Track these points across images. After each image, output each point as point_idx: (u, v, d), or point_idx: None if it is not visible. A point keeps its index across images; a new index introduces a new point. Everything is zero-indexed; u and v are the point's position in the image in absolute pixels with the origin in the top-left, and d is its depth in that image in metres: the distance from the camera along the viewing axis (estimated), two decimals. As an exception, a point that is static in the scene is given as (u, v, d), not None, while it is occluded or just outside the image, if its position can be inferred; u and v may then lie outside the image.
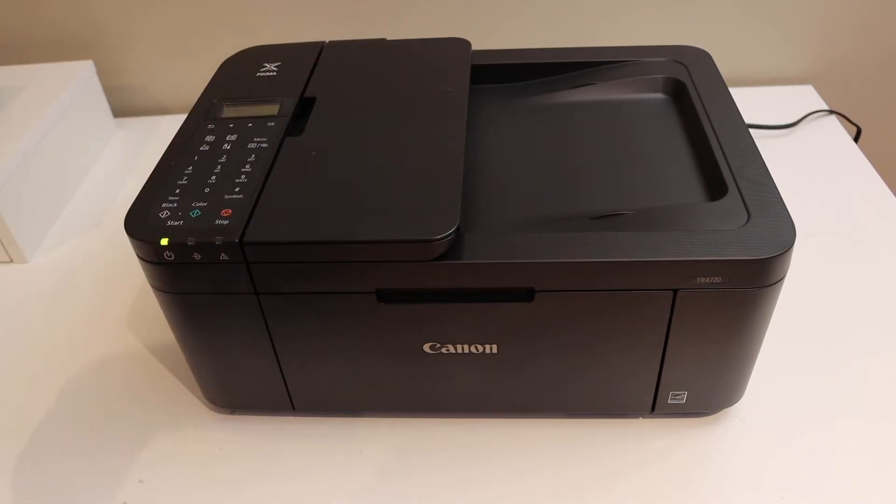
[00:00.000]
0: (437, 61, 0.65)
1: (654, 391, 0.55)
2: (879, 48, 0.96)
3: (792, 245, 0.47)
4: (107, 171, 0.93)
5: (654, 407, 0.57)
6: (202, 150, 0.55)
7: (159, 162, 0.55)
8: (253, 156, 0.54)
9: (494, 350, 0.53)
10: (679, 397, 0.56)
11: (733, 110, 0.60)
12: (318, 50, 0.67)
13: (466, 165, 0.53)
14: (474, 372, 0.55)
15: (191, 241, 0.48)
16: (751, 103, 0.91)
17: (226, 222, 0.48)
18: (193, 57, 0.99)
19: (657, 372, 0.54)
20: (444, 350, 0.53)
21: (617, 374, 0.54)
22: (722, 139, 0.57)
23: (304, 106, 0.60)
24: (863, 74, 0.98)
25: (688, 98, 0.62)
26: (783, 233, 0.48)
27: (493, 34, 0.96)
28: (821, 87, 0.98)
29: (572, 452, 0.57)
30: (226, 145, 0.55)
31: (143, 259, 0.50)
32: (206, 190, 0.51)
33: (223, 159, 0.54)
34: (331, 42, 0.69)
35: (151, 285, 0.52)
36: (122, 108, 1.03)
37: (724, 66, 0.68)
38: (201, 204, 0.50)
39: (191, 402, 0.63)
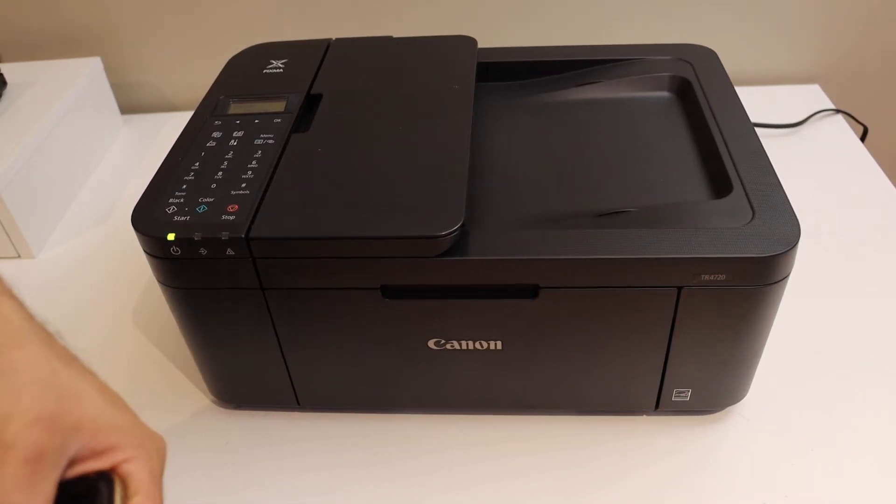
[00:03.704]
0: (443, 59, 0.65)
1: (658, 388, 0.56)
2: (886, 47, 0.95)
3: (796, 243, 0.47)
4: (114, 167, 0.94)
5: (658, 404, 0.57)
6: (209, 147, 0.55)
7: (166, 158, 0.55)
8: (259, 152, 0.54)
9: (499, 347, 0.53)
10: (683, 395, 0.56)
11: (739, 109, 0.60)
12: (325, 47, 0.68)
13: (472, 162, 0.53)
14: (478, 369, 0.55)
15: (197, 237, 0.48)
16: (757, 102, 0.90)
17: (232, 218, 0.49)
18: (200, 54, 1.00)
19: (661, 369, 0.54)
20: (448, 346, 0.53)
21: (621, 371, 0.54)
22: (727, 137, 0.57)
23: (311, 102, 0.60)
24: (869, 74, 0.98)
25: (693, 96, 0.62)
26: (787, 231, 0.48)
27: (499, 32, 0.96)
28: (827, 87, 0.97)
29: (576, 450, 0.57)
30: (232, 141, 0.56)
31: (149, 254, 0.50)
32: (213, 185, 0.51)
33: (230, 155, 0.54)
34: (337, 39, 0.69)
35: (158, 280, 0.52)
36: (130, 104, 1.04)
37: (730, 65, 0.67)
38: (208, 199, 0.50)
39: (196, 398, 0.63)
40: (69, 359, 0.36)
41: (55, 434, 0.32)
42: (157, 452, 0.36)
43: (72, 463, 0.33)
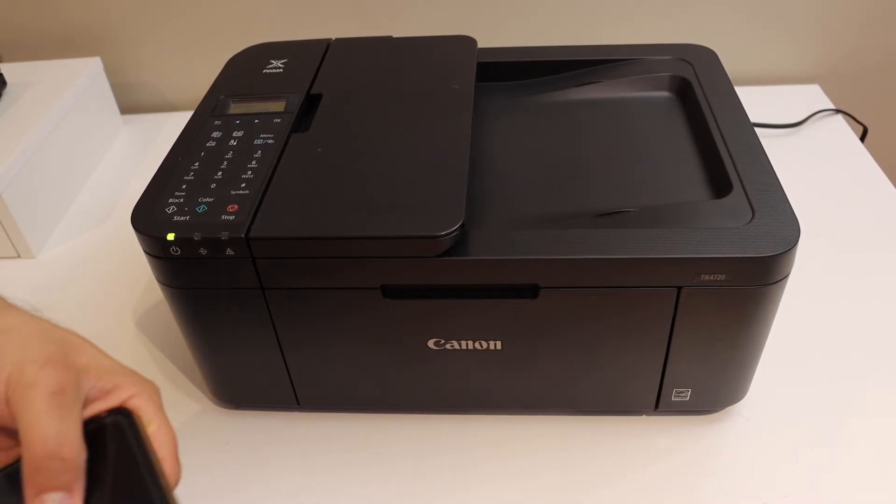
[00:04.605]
0: (444, 59, 0.65)
1: (657, 389, 0.56)
2: (886, 47, 0.95)
3: (796, 243, 0.47)
4: (113, 167, 0.94)
5: (658, 404, 0.57)
6: (209, 147, 0.55)
7: (166, 158, 0.55)
8: (259, 152, 0.54)
9: (499, 347, 0.53)
10: (683, 395, 0.56)
11: (739, 109, 0.60)
12: (325, 47, 0.68)
13: (472, 162, 0.53)
14: (478, 369, 0.55)
15: (197, 237, 0.48)
16: (756, 102, 0.90)
17: (232, 217, 0.49)
18: (200, 54, 1.00)
19: (661, 369, 0.54)
20: (448, 346, 0.53)
21: (621, 371, 0.54)
22: (727, 137, 0.57)
23: (311, 102, 0.60)
24: (869, 74, 0.98)
25: (693, 96, 0.62)
26: (787, 231, 0.48)
27: (499, 32, 0.96)
28: (827, 87, 0.98)
29: (576, 450, 0.57)
30: (232, 141, 0.56)
31: (149, 254, 0.50)
32: (213, 185, 0.51)
33: (229, 155, 0.54)
34: (337, 39, 0.69)
35: (157, 280, 0.53)
36: (130, 104, 1.04)
37: (730, 65, 0.67)
38: (207, 199, 0.50)
39: (196, 398, 0.63)
40: (54, 323, 0.37)
41: (69, 372, 0.34)
42: (155, 391, 0.38)
43: (84, 405, 0.35)
